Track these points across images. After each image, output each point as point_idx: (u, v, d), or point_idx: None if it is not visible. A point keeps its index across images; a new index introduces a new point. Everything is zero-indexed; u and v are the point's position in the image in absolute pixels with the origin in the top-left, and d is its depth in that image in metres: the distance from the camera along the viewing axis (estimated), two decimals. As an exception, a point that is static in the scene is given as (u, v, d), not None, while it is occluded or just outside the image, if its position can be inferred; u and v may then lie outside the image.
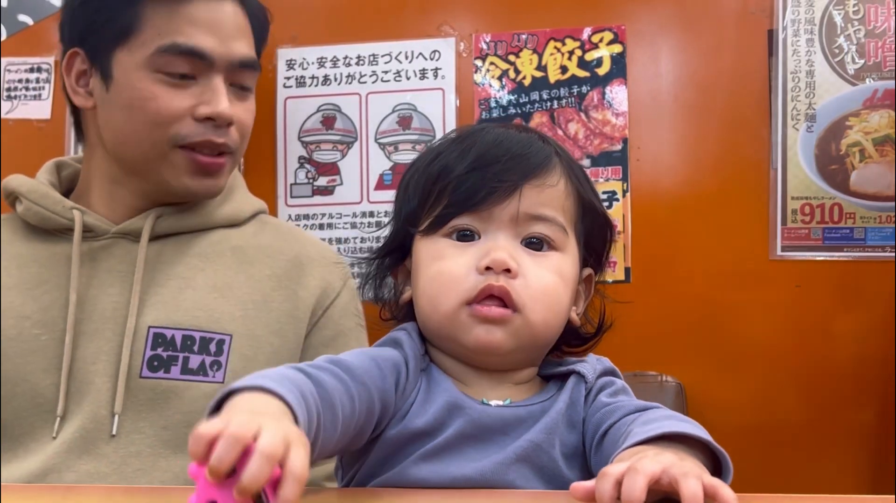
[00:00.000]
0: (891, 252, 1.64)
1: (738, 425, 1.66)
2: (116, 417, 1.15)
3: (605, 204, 1.68)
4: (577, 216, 0.88)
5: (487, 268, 0.81)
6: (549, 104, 1.71)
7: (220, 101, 1.19)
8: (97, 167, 1.27)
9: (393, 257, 0.92)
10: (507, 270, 0.81)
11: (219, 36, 1.19)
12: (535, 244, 0.84)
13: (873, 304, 1.63)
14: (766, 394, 1.67)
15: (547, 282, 0.83)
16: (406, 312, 0.92)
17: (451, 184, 0.84)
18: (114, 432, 1.15)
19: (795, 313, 1.66)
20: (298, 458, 0.59)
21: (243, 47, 1.22)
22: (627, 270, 1.70)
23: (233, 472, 0.57)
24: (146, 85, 1.18)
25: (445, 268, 0.83)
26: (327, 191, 1.77)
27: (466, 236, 0.84)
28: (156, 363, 1.17)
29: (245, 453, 0.56)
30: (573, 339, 0.92)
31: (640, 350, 1.66)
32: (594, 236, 0.91)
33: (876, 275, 1.64)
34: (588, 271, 0.92)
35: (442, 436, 0.81)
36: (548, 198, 0.85)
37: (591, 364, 0.90)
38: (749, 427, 1.66)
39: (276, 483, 0.57)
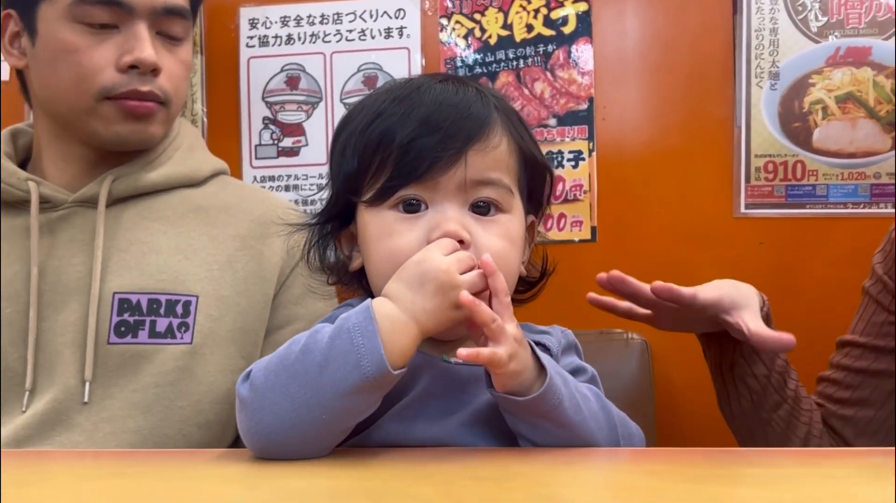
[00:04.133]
0: (852, 208, 1.66)
1: (702, 381, 1.67)
2: (87, 385, 1.15)
3: (572, 163, 1.68)
4: (520, 171, 0.88)
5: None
6: (515, 63, 1.70)
7: (143, 47, 1.17)
8: (43, 128, 1.26)
9: (336, 223, 0.91)
10: (461, 242, 0.81)
11: None
12: (483, 208, 0.84)
13: (836, 260, 1.66)
14: (729, 349, 1.69)
15: (498, 249, 0.83)
16: (355, 277, 0.92)
17: (394, 153, 0.82)
18: (85, 400, 1.15)
19: (759, 270, 1.67)
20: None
21: None
22: (594, 229, 1.71)
23: None
24: (67, 36, 1.17)
25: (397, 246, 0.82)
26: (293, 152, 1.75)
27: (413, 207, 0.83)
28: (123, 328, 1.17)
29: None
30: (519, 286, 0.93)
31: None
32: (536, 186, 0.91)
33: (838, 231, 1.66)
34: (530, 219, 0.92)
35: (408, 396, 0.81)
36: (492, 160, 0.84)
37: (556, 337, 0.92)
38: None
39: None
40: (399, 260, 0.81)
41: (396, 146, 0.82)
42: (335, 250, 0.94)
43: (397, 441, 0.81)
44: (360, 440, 0.81)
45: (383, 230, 0.83)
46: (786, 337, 1.02)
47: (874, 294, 1.21)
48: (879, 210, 1.64)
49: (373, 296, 0.89)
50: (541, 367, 0.78)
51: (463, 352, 0.73)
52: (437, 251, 0.77)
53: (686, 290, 1.03)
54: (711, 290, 1.06)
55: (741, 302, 1.07)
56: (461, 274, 0.76)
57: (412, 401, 0.82)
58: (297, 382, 0.73)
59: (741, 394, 1.16)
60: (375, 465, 0.72)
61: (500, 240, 0.84)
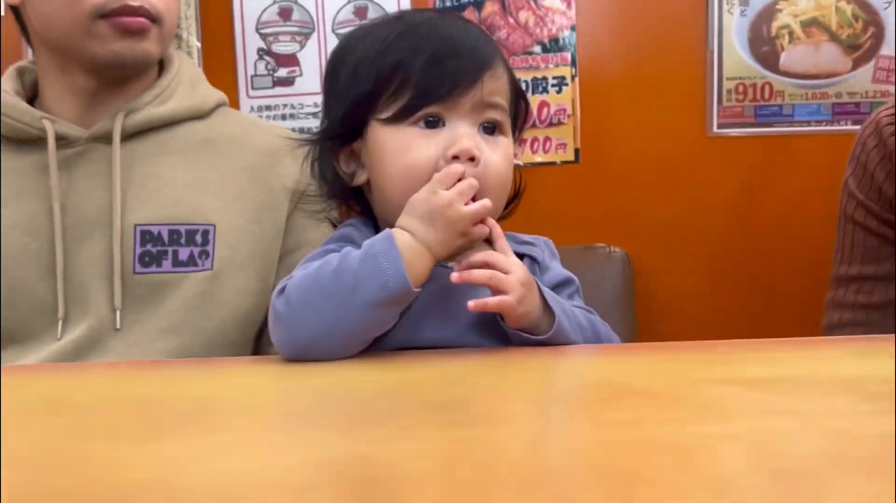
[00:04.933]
0: (816, 126, 1.77)
1: (679, 289, 1.79)
2: (118, 312, 1.21)
3: (556, 89, 1.77)
4: (512, 100, 0.96)
5: (454, 157, 0.88)
6: (500, -8, 1.76)
7: None
8: (44, 62, 1.28)
9: (338, 141, 0.96)
10: (471, 159, 0.89)
11: None
12: (489, 129, 0.92)
13: (801, 174, 1.76)
14: (705, 259, 1.80)
15: (501, 168, 0.91)
16: (351, 192, 0.99)
17: (417, 74, 0.89)
18: (117, 326, 1.22)
19: (731, 185, 1.78)
20: None
21: None
22: (577, 151, 1.79)
23: None
24: None
25: (417, 158, 0.89)
26: (288, 82, 1.80)
27: (432, 123, 0.90)
28: (147, 259, 1.23)
29: None
30: None
31: (590, 224, 1.78)
32: (518, 116, 1.00)
33: (803, 147, 1.77)
34: None
35: (416, 304, 0.88)
36: (499, 86, 0.92)
37: (540, 248, 1.00)
38: (690, 290, 1.80)
39: None
40: (416, 172, 0.88)
41: (420, 67, 0.89)
42: (332, 168, 0.99)
43: (409, 345, 0.89)
44: (374, 348, 0.88)
45: (402, 144, 0.90)
46: None
47: (860, 220, 1.25)
48: (841, 127, 1.76)
49: (373, 210, 0.97)
50: (546, 302, 0.87)
51: (472, 303, 0.83)
52: (440, 187, 0.86)
53: None
54: None
55: None
56: (465, 201, 0.85)
57: (419, 308, 0.89)
58: (331, 300, 0.83)
59: None
60: (422, 364, 0.80)
61: (503, 159, 0.93)
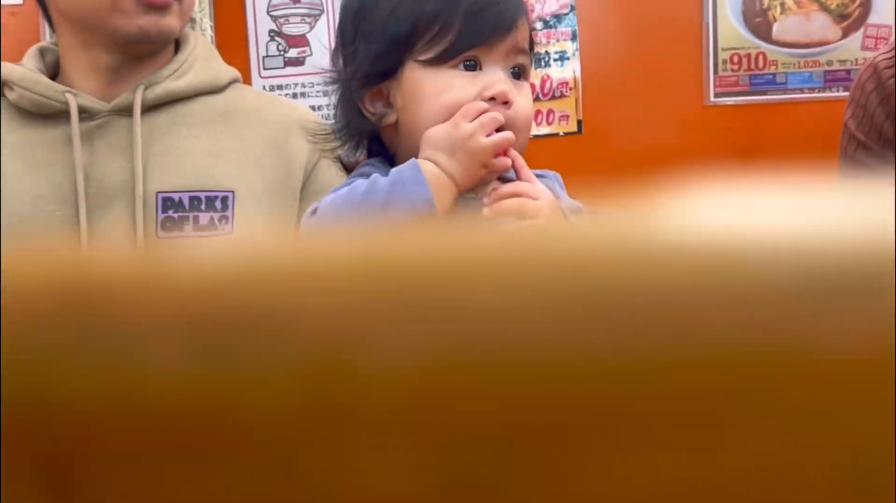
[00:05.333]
0: (808, 93, 1.83)
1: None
2: None
3: (558, 63, 1.83)
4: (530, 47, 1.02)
5: (491, 99, 0.91)
6: (502, -29, 1.82)
7: None
8: (67, 41, 1.33)
9: (369, 80, 0.97)
10: (505, 103, 0.92)
11: None
12: (517, 73, 0.97)
13: (795, 140, 1.83)
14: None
15: (528, 110, 0.96)
16: (371, 134, 1.01)
17: (458, 22, 0.92)
18: None
19: (728, 151, 1.84)
20: None
21: None
22: (580, 122, 1.86)
23: None
24: None
25: (456, 98, 0.92)
26: (298, 62, 1.87)
27: (471, 66, 0.94)
28: (169, 224, 1.29)
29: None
30: None
31: (594, 192, 1.84)
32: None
33: (796, 114, 1.84)
34: None
35: None
36: (525, 33, 0.97)
37: (551, 179, 1.06)
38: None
39: None
40: (454, 110, 0.91)
41: (462, 14, 0.93)
42: (356, 108, 1.00)
43: None
44: None
45: (442, 85, 0.92)
46: None
47: (862, 160, 1.29)
48: (832, 94, 1.82)
49: (396, 153, 1.00)
50: None
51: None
52: (462, 120, 0.90)
53: None
54: None
55: None
56: (487, 133, 0.89)
57: None
58: (361, 219, 0.87)
59: None
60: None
61: (528, 100, 0.97)
